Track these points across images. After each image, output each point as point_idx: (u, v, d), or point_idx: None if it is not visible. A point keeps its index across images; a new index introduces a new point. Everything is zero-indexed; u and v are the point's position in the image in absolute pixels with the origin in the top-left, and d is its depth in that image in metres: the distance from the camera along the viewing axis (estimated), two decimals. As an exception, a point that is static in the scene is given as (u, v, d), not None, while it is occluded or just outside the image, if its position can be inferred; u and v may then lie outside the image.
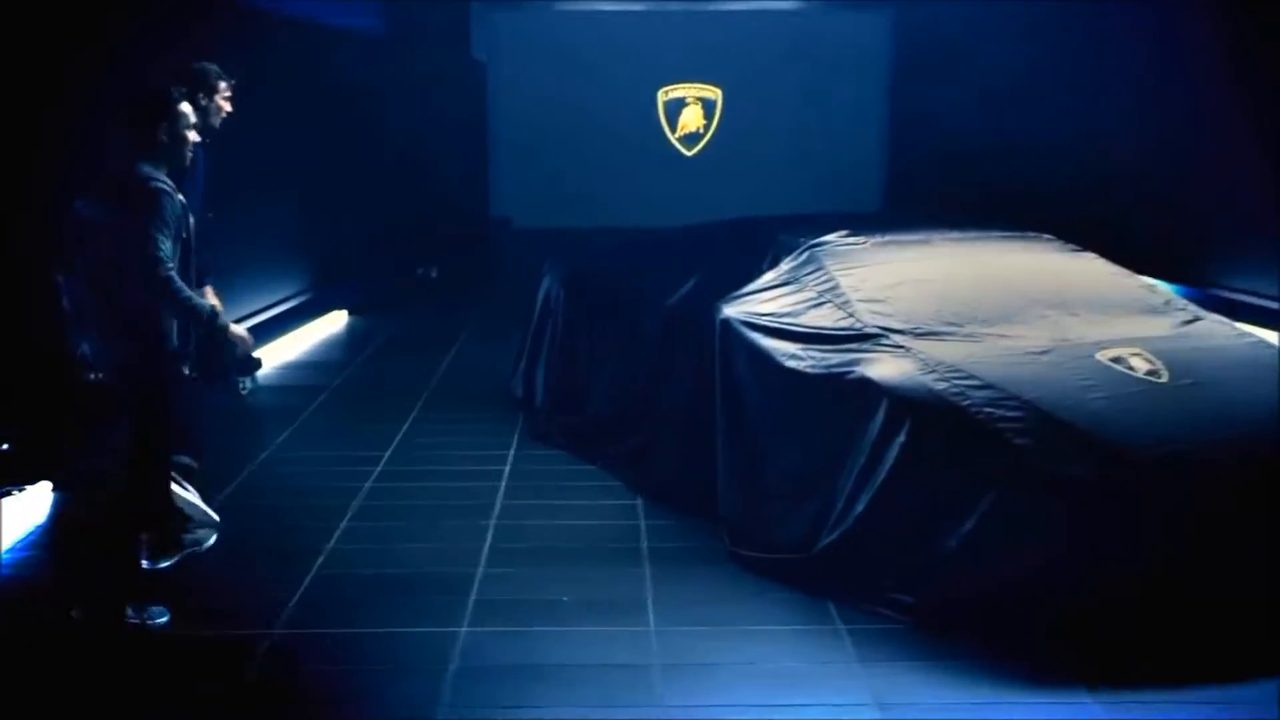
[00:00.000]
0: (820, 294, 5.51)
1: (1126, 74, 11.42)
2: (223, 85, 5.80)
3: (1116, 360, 5.01)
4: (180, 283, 4.50)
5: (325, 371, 8.87)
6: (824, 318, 5.36)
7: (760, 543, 5.17)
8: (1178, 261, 10.86)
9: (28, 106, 6.15)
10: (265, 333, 9.39)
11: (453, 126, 14.29)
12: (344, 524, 5.65)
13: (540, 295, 7.38)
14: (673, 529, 5.65)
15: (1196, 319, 5.67)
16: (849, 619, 4.66)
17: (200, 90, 5.61)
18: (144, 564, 4.87)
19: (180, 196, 4.61)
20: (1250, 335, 5.60)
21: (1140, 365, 4.98)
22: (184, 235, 4.64)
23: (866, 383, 4.89)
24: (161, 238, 4.46)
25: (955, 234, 6.21)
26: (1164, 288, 6.05)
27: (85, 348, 4.68)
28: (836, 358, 5.10)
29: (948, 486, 4.58)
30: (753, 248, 6.15)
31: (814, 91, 15.74)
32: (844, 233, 5.96)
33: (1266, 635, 4.31)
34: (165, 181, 4.57)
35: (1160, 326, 5.49)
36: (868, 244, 5.91)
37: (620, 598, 4.86)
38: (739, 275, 5.93)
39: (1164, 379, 4.90)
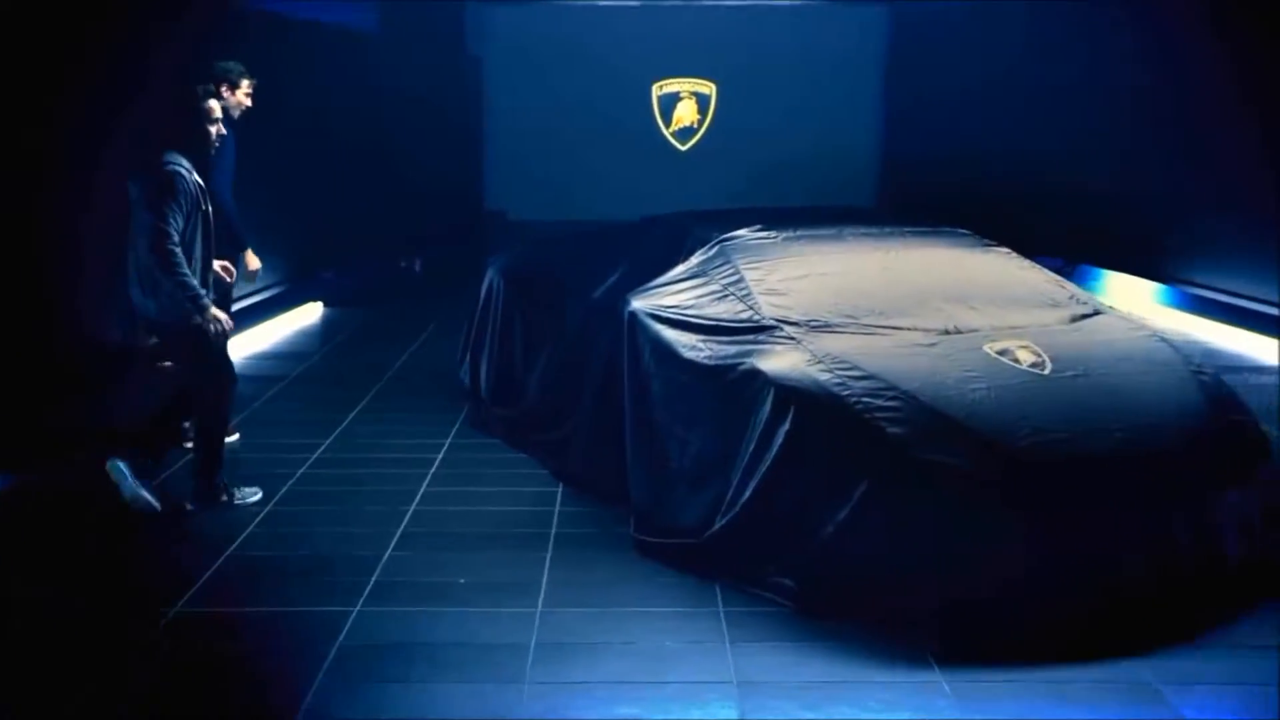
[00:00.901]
0: (724, 287, 5.66)
1: (1120, 73, 11.49)
2: (244, 83, 6.62)
3: (1003, 352, 5.14)
4: (180, 258, 5.40)
5: (289, 362, 9.07)
6: (725, 310, 5.51)
7: (663, 529, 5.32)
8: (1160, 257, 10.98)
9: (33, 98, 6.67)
10: (236, 324, 9.62)
11: (447, 121, 14.51)
12: (268, 509, 5.84)
13: (483, 287, 7.56)
14: (585, 516, 5.82)
15: (1096, 313, 5.79)
16: (731, 602, 4.81)
17: (224, 86, 6.49)
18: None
19: (196, 178, 5.51)
20: (1148, 329, 5.70)
21: (1025, 357, 5.11)
22: (203, 209, 5.55)
23: (756, 373, 5.04)
24: (171, 214, 5.38)
25: (868, 229, 6.34)
26: (1069, 283, 6.13)
27: (133, 301, 5.66)
28: (732, 349, 5.26)
29: (827, 474, 4.73)
30: (676, 242, 6.30)
31: (808, 87, 15.88)
32: (756, 227, 6.11)
33: (1127, 622, 4.46)
34: (183, 165, 5.46)
35: (1055, 320, 5.61)
36: (778, 239, 6.05)
37: (516, 580, 5.02)
38: (660, 269, 6.08)
39: (1047, 371, 5.03)
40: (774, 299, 5.50)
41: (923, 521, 4.55)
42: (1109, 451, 4.69)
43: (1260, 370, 9.09)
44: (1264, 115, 9.38)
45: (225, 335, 5.70)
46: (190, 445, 6.22)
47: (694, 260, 5.94)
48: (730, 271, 5.74)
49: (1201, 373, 5.25)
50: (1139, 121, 11.32)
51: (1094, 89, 12.06)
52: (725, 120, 16.23)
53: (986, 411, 4.74)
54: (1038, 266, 6.24)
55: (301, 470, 6.44)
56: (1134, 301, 11.38)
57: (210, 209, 5.66)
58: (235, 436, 6.74)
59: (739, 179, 15.01)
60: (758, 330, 5.33)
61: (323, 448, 6.84)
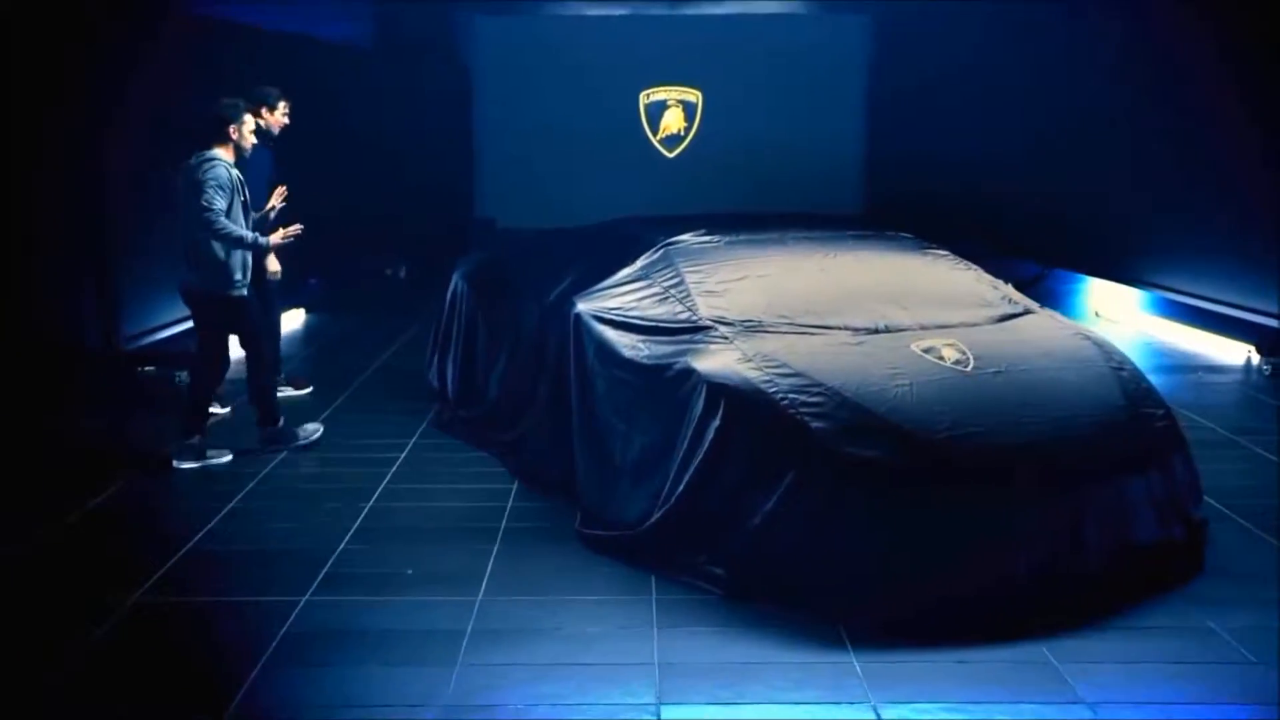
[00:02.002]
0: (666, 289, 5.88)
1: (1102, 79, 11.69)
2: (281, 105, 7.64)
3: (928, 350, 5.34)
4: (224, 220, 6.51)
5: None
6: (665, 311, 5.73)
7: (607, 522, 5.53)
8: (1131, 261, 11.15)
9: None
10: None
11: (438, 131, 14.74)
12: (230, 505, 6.07)
13: (449, 291, 7.77)
14: (535, 511, 6.03)
15: (1026, 312, 5.98)
16: (665, 590, 5.02)
17: (262, 108, 7.49)
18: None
19: (235, 171, 6.66)
20: (1076, 328, 5.89)
21: (950, 355, 5.31)
22: (241, 197, 6.68)
23: (690, 372, 5.25)
24: (213, 194, 6.49)
25: (811, 234, 6.54)
26: (1003, 284, 6.32)
27: (182, 277, 6.78)
28: (670, 349, 5.47)
29: (755, 467, 4.94)
30: (625, 246, 6.50)
31: (793, 94, 16.05)
32: (700, 232, 6.31)
33: (1035, 605, 4.66)
34: (221, 160, 6.60)
35: (984, 319, 5.81)
36: (720, 243, 6.26)
37: (461, 571, 5.24)
38: (610, 272, 6.30)
39: (969, 368, 5.22)
40: (712, 300, 5.72)
41: (845, 511, 4.75)
42: (1024, 442, 4.88)
43: (1218, 370, 9.27)
44: (1246, 123, 9.57)
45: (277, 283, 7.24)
46: (224, 410, 7.70)
47: (639, 263, 6.15)
48: (672, 274, 5.95)
49: (1121, 369, 5.44)
50: (1116, 127, 11.51)
51: (1074, 94, 12.25)
52: (712, 127, 16.39)
53: (907, 406, 4.94)
54: (975, 268, 6.44)
55: (267, 470, 6.66)
56: (1119, 307, 11.55)
57: (247, 198, 6.77)
58: (226, 410, 7.79)
59: (726, 185, 15.14)
60: (694, 331, 5.54)
61: (290, 448, 7.05)
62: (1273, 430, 7.39)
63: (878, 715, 4.03)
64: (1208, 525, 5.54)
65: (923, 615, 4.61)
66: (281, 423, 7.09)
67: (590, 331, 5.77)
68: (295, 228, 7.04)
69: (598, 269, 6.41)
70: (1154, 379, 8.67)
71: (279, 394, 7.50)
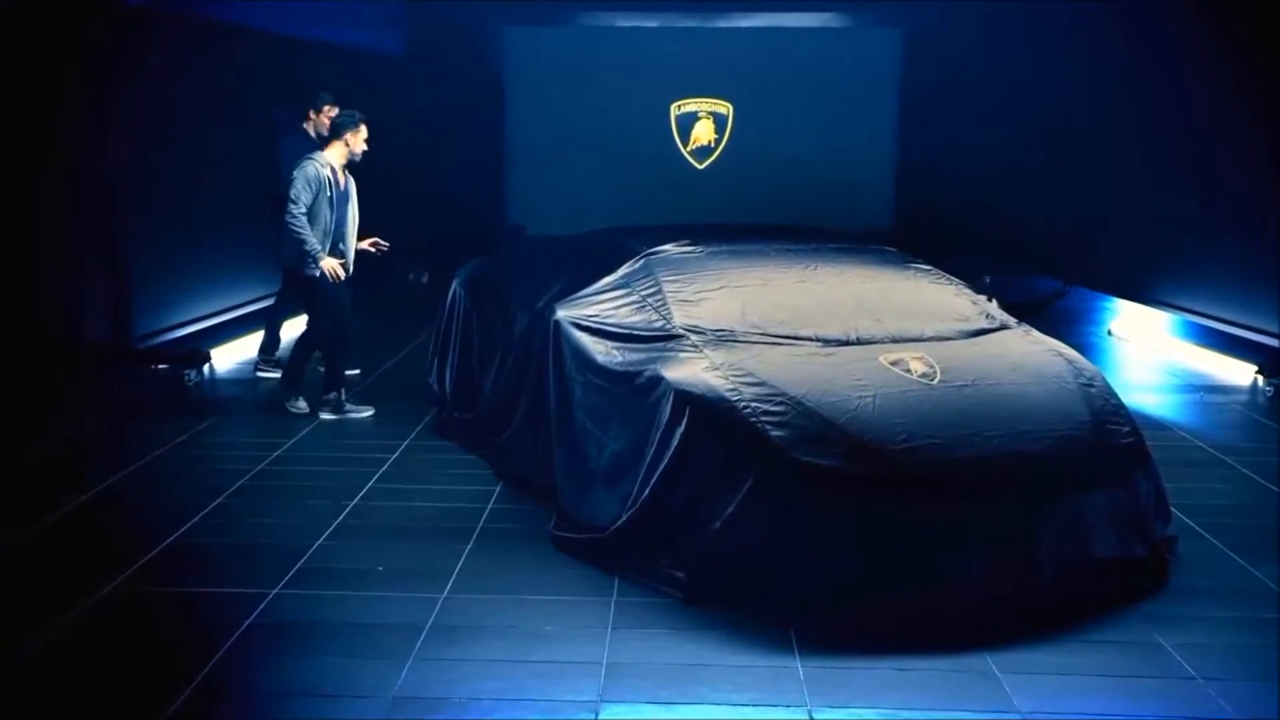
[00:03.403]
0: (643, 298, 5.97)
1: (1124, 97, 11.68)
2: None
3: (896, 363, 5.40)
4: (300, 220, 7.49)
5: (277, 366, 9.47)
6: (641, 319, 5.83)
7: (582, 525, 5.63)
8: (1149, 281, 11.12)
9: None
10: (233, 330, 10.09)
11: (470, 137, 14.93)
12: (218, 501, 6.22)
13: (448, 297, 7.91)
14: (515, 513, 6.14)
15: (1003, 328, 6.02)
16: (626, 592, 5.11)
17: (310, 106, 8.91)
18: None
19: (327, 171, 7.59)
20: (1049, 345, 5.91)
21: (918, 368, 5.37)
22: (328, 194, 7.60)
23: (659, 379, 5.35)
24: (300, 189, 7.49)
25: (795, 246, 6.61)
26: (985, 300, 6.36)
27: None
28: (642, 356, 5.57)
29: (717, 473, 5.02)
30: (610, 255, 6.60)
31: (824, 107, 16.09)
32: (682, 242, 6.41)
33: (983, 616, 4.71)
34: (319, 160, 7.63)
35: (957, 333, 5.85)
36: (701, 253, 6.35)
37: (430, 569, 5.35)
38: (596, 280, 6.39)
39: (936, 381, 5.28)
40: (687, 309, 5.81)
41: (800, 517, 4.81)
42: (982, 455, 4.93)
43: (1222, 390, 9.23)
44: (1258, 143, 9.54)
45: (340, 280, 7.73)
46: (355, 371, 8.93)
47: (620, 272, 6.25)
48: (650, 283, 6.05)
49: (1090, 385, 5.46)
50: (1137, 144, 11.49)
51: (1098, 111, 12.24)
52: (742, 140, 16.45)
53: (867, 417, 5.00)
54: (957, 284, 6.47)
55: (259, 467, 6.81)
56: (1140, 328, 11.51)
57: (338, 194, 7.71)
58: (355, 371, 9.05)
59: (755, 198, 15.19)
60: (667, 339, 5.64)
61: (285, 446, 7.22)
62: (1262, 451, 7.36)
63: (811, 718, 4.09)
64: (1176, 543, 5.56)
65: (870, 622, 4.67)
66: (342, 395, 7.97)
67: (569, 338, 5.88)
68: (378, 241, 8.19)
69: (584, 277, 6.50)
70: (1156, 398, 8.81)
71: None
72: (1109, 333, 11.66)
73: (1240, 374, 9.53)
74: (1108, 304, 12.82)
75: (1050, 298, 12.98)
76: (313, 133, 8.76)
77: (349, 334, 8.14)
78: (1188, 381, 9.51)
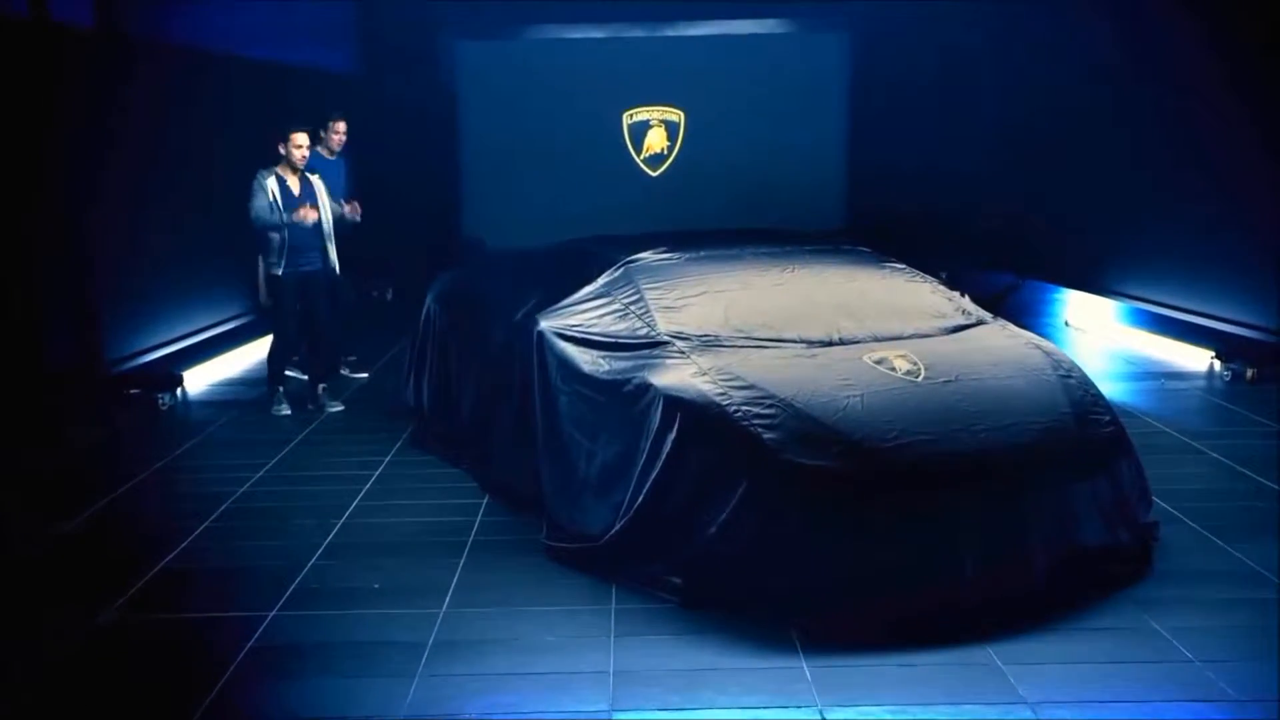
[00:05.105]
0: (626, 306, 6.01)
1: (1070, 96, 11.86)
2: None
3: (880, 361, 5.47)
4: (262, 216, 8.06)
5: (249, 388, 9.39)
6: (625, 328, 5.86)
7: (572, 534, 5.65)
8: (1099, 271, 11.30)
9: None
10: (204, 352, 10.02)
11: (425, 154, 14.91)
12: (205, 524, 6.18)
13: (423, 311, 7.91)
14: (503, 524, 6.15)
15: (980, 323, 6.12)
16: (624, 600, 5.15)
17: (319, 127, 9.06)
18: None
19: (271, 180, 8.09)
20: (1027, 338, 6.01)
21: (902, 366, 5.44)
22: (277, 201, 8.06)
23: (648, 386, 5.38)
24: (251, 194, 8.07)
25: (769, 249, 6.67)
26: (959, 295, 6.46)
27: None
28: (629, 364, 5.60)
29: (710, 478, 5.06)
30: (587, 265, 6.63)
31: (774, 112, 16.17)
32: (660, 249, 6.46)
33: (981, 608, 4.78)
34: (267, 171, 8.15)
35: (937, 330, 5.94)
36: (680, 260, 6.40)
37: (427, 584, 5.36)
38: (572, 290, 6.42)
39: (920, 378, 5.35)
40: (670, 316, 5.86)
41: (795, 518, 4.87)
42: (970, 449, 5.01)
43: (1180, 376, 9.41)
44: (1204, 135, 9.73)
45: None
46: (350, 374, 9.67)
47: (600, 281, 6.29)
48: (632, 291, 6.09)
49: (1069, 376, 5.56)
50: (1081, 141, 11.69)
51: (1050, 105, 12.44)
52: (695, 146, 16.49)
53: (856, 416, 5.07)
54: (932, 281, 6.57)
55: (243, 489, 6.78)
56: (1092, 317, 11.70)
57: (288, 199, 8.17)
58: (358, 374, 9.76)
59: (709, 203, 15.24)
60: (653, 346, 5.68)
61: (268, 466, 7.18)
62: (1228, 435, 7.52)
63: (823, 718, 4.15)
64: (1158, 528, 5.67)
65: (871, 619, 4.73)
66: (321, 389, 8.64)
67: (553, 348, 5.91)
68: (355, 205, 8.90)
69: (562, 287, 6.53)
70: (1118, 386, 8.95)
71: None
72: (1066, 323, 11.85)
73: (1196, 359, 9.72)
74: (1059, 295, 13.01)
75: (1005, 292, 13.16)
76: (324, 151, 9.18)
77: (323, 334, 8.72)
78: (1146, 369, 9.68)
